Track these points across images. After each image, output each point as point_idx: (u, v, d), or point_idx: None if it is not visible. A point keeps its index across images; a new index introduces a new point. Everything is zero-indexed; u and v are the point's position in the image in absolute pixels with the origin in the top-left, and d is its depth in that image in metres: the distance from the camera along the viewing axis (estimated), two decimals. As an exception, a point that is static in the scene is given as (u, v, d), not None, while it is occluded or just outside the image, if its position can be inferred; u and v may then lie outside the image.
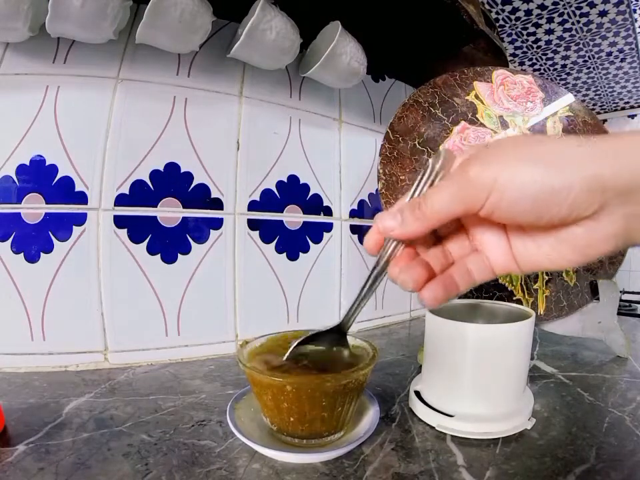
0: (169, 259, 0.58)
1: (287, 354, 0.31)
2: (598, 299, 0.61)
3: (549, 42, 1.42)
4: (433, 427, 0.38)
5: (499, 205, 0.21)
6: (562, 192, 0.20)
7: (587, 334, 0.62)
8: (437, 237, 0.26)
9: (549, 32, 1.35)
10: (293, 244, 0.68)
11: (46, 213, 0.52)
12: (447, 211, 0.22)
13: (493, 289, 0.56)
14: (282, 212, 0.67)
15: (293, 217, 0.68)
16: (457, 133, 0.60)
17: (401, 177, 0.55)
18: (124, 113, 0.56)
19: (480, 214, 0.22)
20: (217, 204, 0.61)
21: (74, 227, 0.53)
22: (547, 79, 1.29)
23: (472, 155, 0.22)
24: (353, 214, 0.77)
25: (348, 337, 0.34)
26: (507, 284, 0.57)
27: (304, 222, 0.69)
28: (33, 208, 0.52)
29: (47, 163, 0.52)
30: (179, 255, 0.58)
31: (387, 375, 0.52)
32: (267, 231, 0.65)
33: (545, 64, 1.61)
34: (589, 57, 1.53)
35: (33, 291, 0.51)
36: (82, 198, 0.53)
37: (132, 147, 0.56)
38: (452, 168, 0.24)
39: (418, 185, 0.25)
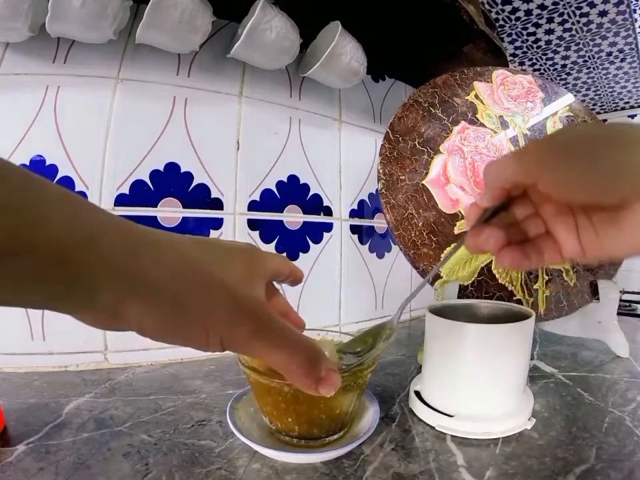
0: (169, 258, 0.57)
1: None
2: (598, 299, 0.61)
3: (549, 42, 1.42)
4: (433, 427, 0.38)
5: (549, 174, 0.23)
6: (612, 176, 0.22)
7: (587, 334, 0.62)
8: (515, 218, 0.29)
9: (549, 32, 1.35)
10: (293, 244, 0.68)
11: (46, 213, 0.52)
12: (505, 176, 0.25)
13: (493, 289, 0.56)
14: (282, 212, 0.67)
15: (293, 217, 0.68)
16: (457, 133, 0.60)
17: (401, 177, 0.55)
18: (124, 113, 0.56)
19: (539, 187, 0.24)
20: (217, 204, 0.61)
21: (74, 226, 0.53)
22: (547, 78, 1.29)
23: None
24: (352, 214, 0.77)
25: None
26: (507, 284, 0.57)
27: (304, 222, 0.69)
28: (33, 208, 0.52)
29: (47, 163, 0.52)
30: (178, 254, 0.58)
31: (387, 374, 0.52)
32: (267, 231, 0.65)
33: (545, 64, 1.61)
34: (589, 57, 1.52)
35: (32, 291, 0.50)
36: (82, 198, 0.53)
37: (132, 146, 0.56)
38: None
39: None
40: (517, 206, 0.28)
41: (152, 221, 0.56)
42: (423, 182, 0.56)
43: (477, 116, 0.62)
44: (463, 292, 0.55)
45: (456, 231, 0.56)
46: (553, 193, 0.24)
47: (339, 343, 0.36)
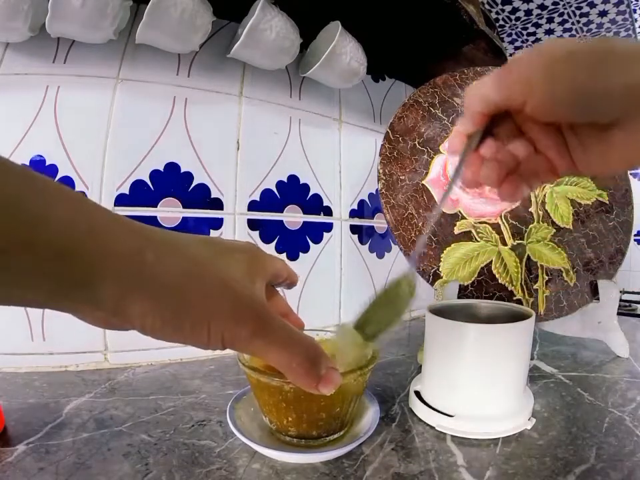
0: (169, 258, 0.58)
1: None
2: (598, 299, 0.61)
3: (549, 42, 1.42)
4: (433, 427, 0.38)
5: (537, 96, 0.22)
6: (602, 98, 0.21)
7: (587, 334, 0.62)
8: (501, 141, 0.28)
9: (549, 32, 1.35)
10: (293, 244, 0.68)
11: (46, 213, 0.52)
12: (488, 99, 0.24)
13: (493, 289, 0.56)
14: (282, 212, 0.67)
15: (293, 217, 0.68)
16: (457, 133, 0.60)
17: (400, 177, 0.55)
18: (124, 112, 0.56)
19: (526, 110, 0.23)
20: (217, 204, 0.61)
21: (74, 226, 0.53)
22: (547, 79, 1.29)
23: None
24: (352, 214, 0.77)
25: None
26: (507, 284, 0.57)
27: (304, 222, 0.69)
28: (33, 208, 0.52)
29: (47, 163, 0.52)
30: (178, 254, 0.58)
31: (387, 374, 0.52)
32: (267, 231, 0.65)
33: (545, 64, 1.60)
34: (589, 57, 1.52)
35: (32, 291, 0.50)
36: (82, 198, 0.53)
37: (132, 146, 0.56)
38: None
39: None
40: (500, 128, 0.27)
41: (152, 221, 0.56)
42: (423, 182, 0.56)
43: (476, 116, 0.62)
44: (463, 292, 0.55)
45: (456, 231, 0.56)
46: (540, 115, 0.24)
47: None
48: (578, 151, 0.25)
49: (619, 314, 0.61)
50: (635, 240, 1.66)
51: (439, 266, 0.54)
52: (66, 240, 0.16)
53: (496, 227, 0.58)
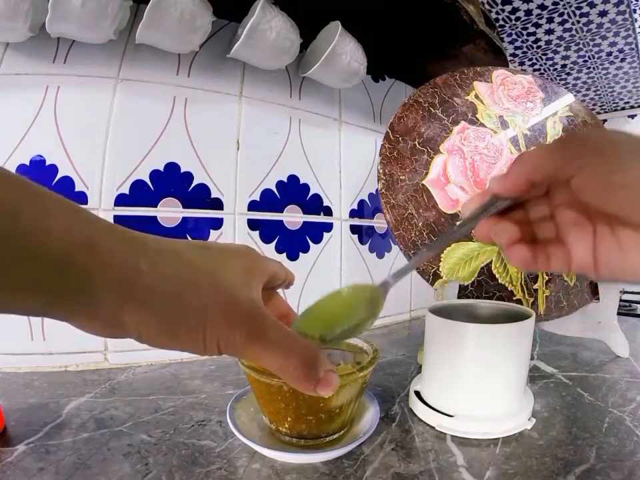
0: (169, 258, 0.57)
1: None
2: (598, 299, 0.61)
3: (549, 42, 1.42)
4: (433, 427, 0.38)
5: (592, 170, 0.21)
6: None
7: (587, 334, 0.62)
8: (526, 215, 0.27)
9: (549, 32, 1.35)
10: (293, 244, 0.68)
11: (46, 213, 0.52)
12: (542, 164, 0.23)
13: (493, 289, 0.56)
14: (282, 212, 0.67)
15: (293, 217, 0.68)
16: (457, 133, 0.60)
17: (400, 177, 0.55)
18: (124, 113, 0.56)
19: (572, 182, 0.22)
20: (217, 204, 0.61)
21: (74, 226, 0.53)
22: (547, 79, 1.29)
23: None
24: (352, 214, 0.77)
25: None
26: (507, 284, 0.57)
27: (304, 222, 0.69)
28: (33, 208, 0.52)
29: (47, 163, 0.52)
30: (179, 255, 0.58)
31: (386, 374, 0.52)
32: (267, 231, 0.65)
33: (545, 64, 1.61)
34: (589, 57, 1.53)
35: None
36: (82, 198, 0.53)
37: (132, 146, 0.56)
38: None
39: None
40: (531, 204, 0.26)
41: (152, 221, 0.56)
42: (423, 182, 0.56)
43: (476, 116, 0.62)
44: (463, 292, 0.55)
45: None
46: (587, 193, 0.22)
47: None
48: (606, 248, 0.23)
49: (619, 314, 0.61)
50: (635, 240, 1.65)
51: (439, 266, 0.54)
52: (63, 250, 0.16)
53: (496, 227, 0.58)
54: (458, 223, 0.27)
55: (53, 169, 0.52)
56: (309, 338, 0.25)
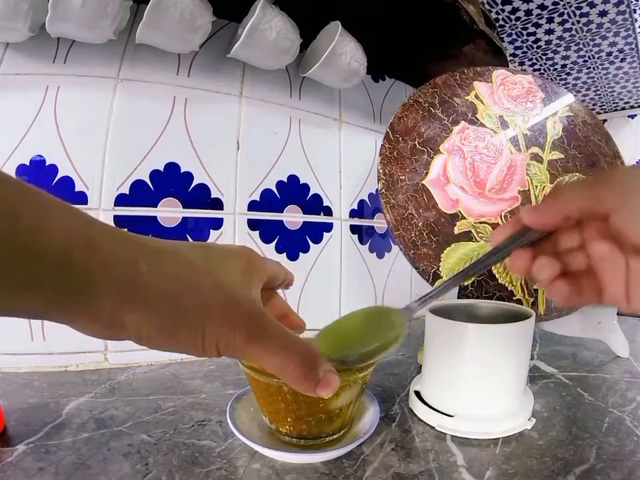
0: (169, 258, 0.57)
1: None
2: (598, 299, 0.61)
3: (549, 42, 1.42)
4: (433, 427, 0.38)
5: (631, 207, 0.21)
6: None
7: (587, 334, 0.62)
8: (556, 246, 0.26)
9: (549, 32, 1.35)
10: (293, 244, 0.68)
11: (46, 213, 0.52)
12: (579, 200, 0.23)
13: (493, 288, 0.56)
14: (282, 212, 0.67)
15: (293, 217, 0.68)
16: (457, 133, 0.60)
17: (400, 177, 0.55)
18: (124, 112, 0.56)
19: (612, 219, 0.22)
20: (217, 204, 0.61)
21: (74, 227, 0.53)
22: (547, 79, 1.29)
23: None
24: (352, 214, 0.77)
25: None
26: (507, 284, 0.57)
27: (304, 222, 0.69)
28: (33, 208, 0.52)
29: (47, 163, 0.52)
30: (179, 255, 0.58)
31: (387, 375, 0.52)
32: (267, 231, 0.65)
33: (545, 64, 1.61)
34: (589, 57, 1.52)
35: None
36: (82, 198, 0.53)
37: (132, 146, 0.56)
38: None
39: None
40: (561, 234, 0.25)
41: (152, 221, 0.56)
42: (423, 182, 0.56)
43: (476, 116, 0.62)
44: (463, 292, 0.55)
45: (456, 231, 0.56)
46: (627, 230, 0.22)
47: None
48: (639, 282, 0.23)
49: (619, 314, 0.61)
50: (635, 240, 1.65)
51: (439, 266, 0.54)
52: (63, 249, 0.16)
53: (496, 227, 0.58)
54: (486, 252, 0.27)
55: (53, 169, 0.52)
56: (328, 359, 0.25)
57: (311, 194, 0.70)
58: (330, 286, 0.73)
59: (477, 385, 0.38)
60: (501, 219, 0.59)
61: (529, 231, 0.25)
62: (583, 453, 0.33)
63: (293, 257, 0.68)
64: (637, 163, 1.98)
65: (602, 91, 1.90)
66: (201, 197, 0.60)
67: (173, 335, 0.19)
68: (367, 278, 0.79)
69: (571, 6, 1.19)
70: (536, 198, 0.61)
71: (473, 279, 0.55)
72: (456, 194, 0.57)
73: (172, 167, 0.58)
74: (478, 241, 0.57)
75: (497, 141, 0.61)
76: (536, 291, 0.58)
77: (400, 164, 0.56)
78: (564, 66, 1.62)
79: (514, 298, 0.57)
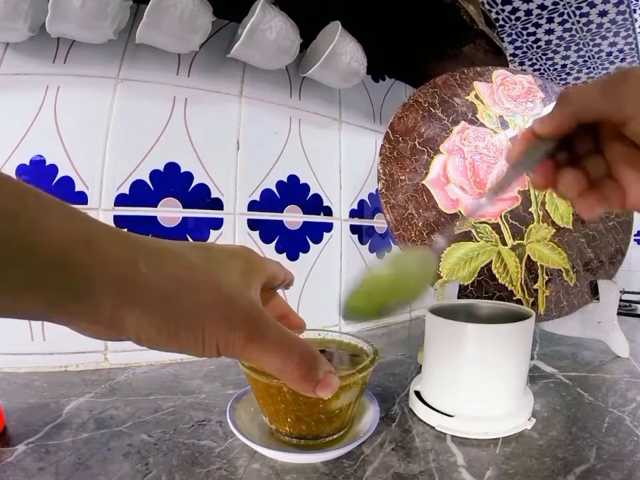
0: (169, 259, 0.57)
1: None
2: (598, 298, 0.61)
3: (549, 42, 1.42)
4: (433, 427, 0.38)
5: None
6: None
7: (587, 334, 0.62)
8: (575, 157, 0.25)
9: (549, 32, 1.35)
10: (293, 244, 0.68)
11: (46, 213, 0.52)
12: (592, 105, 0.21)
13: (493, 289, 0.56)
14: (282, 212, 0.67)
15: (293, 217, 0.68)
16: (457, 133, 0.60)
17: (400, 177, 0.55)
18: (124, 112, 0.56)
19: (630, 127, 0.21)
20: (217, 204, 0.61)
21: (74, 227, 0.53)
22: (547, 79, 1.29)
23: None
24: (352, 214, 0.77)
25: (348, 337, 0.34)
26: (507, 284, 0.57)
27: (304, 222, 0.69)
28: (33, 208, 0.52)
29: (47, 163, 0.52)
30: (178, 255, 0.58)
31: (386, 374, 0.52)
32: (267, 231, 0.65)
33: (545, 64, 1.61)
34: (589, 57, 1.53)
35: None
36: (82, 198, 0.53)
37: (132, 146, 0.56)
38: None
39: None
40: (580, 141, 0.24)
41: (152, 221, 0.56)
42: (423, 182, 0.56)
43: (477, 116, 0.62)
44: (463, 292, 0.55)
45: (456, 231, 0.56)
46: None
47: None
48: None
49: (618, 314, 0.61)
50: (634, 240, 1.66)
51: (439, 266, 0.54)
52: (63, 249, 0.16)
53: (496, 227, 0.58)
54: (507, 170, 0.26)
55: (53, 168, 0.52)
56: (366, 313, 0.25)
57: (310, 194, 0.70)
58: (330, 286, 0.73)
59: (476, 385, 0.38)
60: (501, 219, 0.59)
61: (542, 141, 0.24)
62: (583, 453, 0.33)
63: (293, 257, 0.68)
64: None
65: (602, 91, 1.90)
66: (201, 197, 0.60)
67: (173, 335, 0.19)
68: (367, 278, 0.79)
69: (570, 6, 1.20)
70: (536, 198, 0.61)
71: (472, 280, 0.55)
72: (456, 194, 0.57)
73: (172, 167, 0.58)
74: (478, 241, 0.57)
75: (497, 141, 0.61)
76: (536, 291, 0.58)
77: (400, 164, 0.56)
78: (564, 66, 1.62)
79: (514, 298, 0.57)
